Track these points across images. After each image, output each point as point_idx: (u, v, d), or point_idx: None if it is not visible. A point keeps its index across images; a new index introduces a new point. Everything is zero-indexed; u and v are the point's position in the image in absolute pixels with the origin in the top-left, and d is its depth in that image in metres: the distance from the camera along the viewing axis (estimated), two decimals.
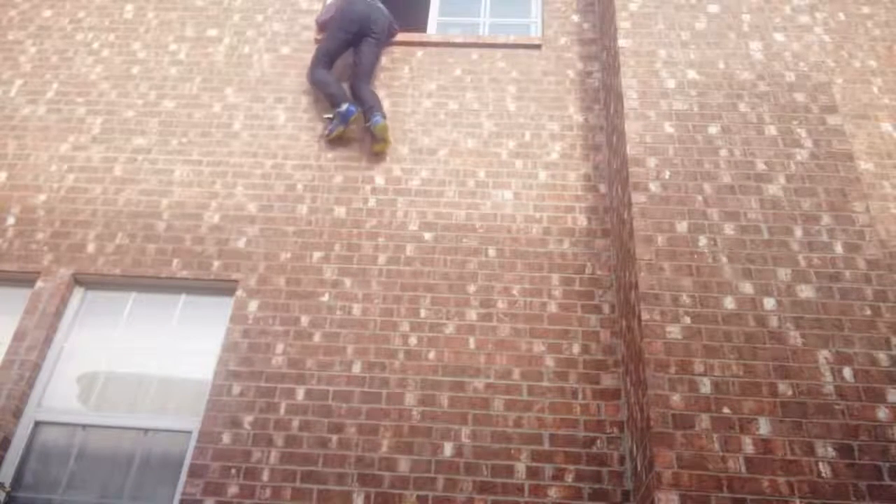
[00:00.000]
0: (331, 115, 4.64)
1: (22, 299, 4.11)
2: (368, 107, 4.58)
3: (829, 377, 3.02)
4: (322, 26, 5.15)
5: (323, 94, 4.74)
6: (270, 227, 4.30)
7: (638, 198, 3.60)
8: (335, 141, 4.64)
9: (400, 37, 5.16)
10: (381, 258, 4.15)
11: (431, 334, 3.85)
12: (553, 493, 3.35)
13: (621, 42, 4.25)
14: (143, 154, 4.65)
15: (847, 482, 2.76)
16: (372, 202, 4.37)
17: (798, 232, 3.45)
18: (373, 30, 4.88)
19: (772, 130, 3.80)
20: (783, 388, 3.00)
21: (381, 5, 5.05)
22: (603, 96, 4.78)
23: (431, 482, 3.40)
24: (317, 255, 4.18)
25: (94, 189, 4.50)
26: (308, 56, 5.10)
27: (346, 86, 4.82)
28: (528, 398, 3.62)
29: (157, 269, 4.17)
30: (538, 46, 5.09)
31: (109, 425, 3.78)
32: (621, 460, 3.43)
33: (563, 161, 4.51)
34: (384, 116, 4.53)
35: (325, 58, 4.82)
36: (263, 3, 5.44)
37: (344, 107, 4.55)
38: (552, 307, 3.92)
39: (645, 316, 3.22)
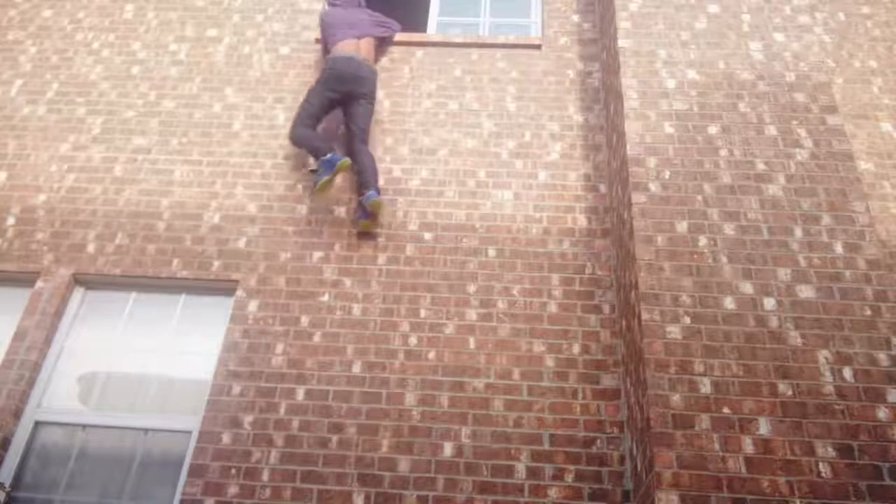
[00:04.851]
0: (315, 168, 4.28)
1: (22, 299, 4.11)
2: (364, 179, 4.24)
3: (829, 377, 3.02)
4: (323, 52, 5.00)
5: (307, 149, 4.36)
6: (270, 227, 4.30)
7: (638, 198, 3.60)
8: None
9: (400, 37, 5.16)
10: (381, 258, 4.14)
11: (431, 334, 3.85)
12: (553, 493, 3.35)
13: (621, 42, 4.25)
14: (144, 154, 4.65)
15: (847, 482, 2.76)
16: None
17: (798, 232, 3.45)
18: (362, 91, 4.52)
19: (772, 130, 3.80)
20: (783, 388, 3.00)
21: (366, 59, 4.66)
22: (603, 96, 4.78)
23: (431, 482, 3.40)
24: (317, 255, 4.18)
25: (95, 189, 4.50)
26: (308, 56, 5.10)
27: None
28: (528, 398, 3.62)
29: (157, 269, 4.17)
30: (538, 46, 5.09)
31: (109, 425, 3.77)
32: (621, 460, 3.43)
33: (563, 161, 4.51)
34: (379, 192, 4.18)
35: (309, 120, 4.41)
36: (263, 3, 5.44)
37: (329, 155, 4.18)
38: (552, 307, 3.92)
39: (645, 316, 3.22)
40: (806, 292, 3.26)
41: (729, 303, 3.24)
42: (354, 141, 4.46)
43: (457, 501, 3.34)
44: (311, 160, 4.38)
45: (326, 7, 5.06)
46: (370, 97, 4.59)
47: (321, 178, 4.17)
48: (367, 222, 4.18)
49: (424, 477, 3.42)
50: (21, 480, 3.66)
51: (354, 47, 4.72)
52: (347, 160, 4.19)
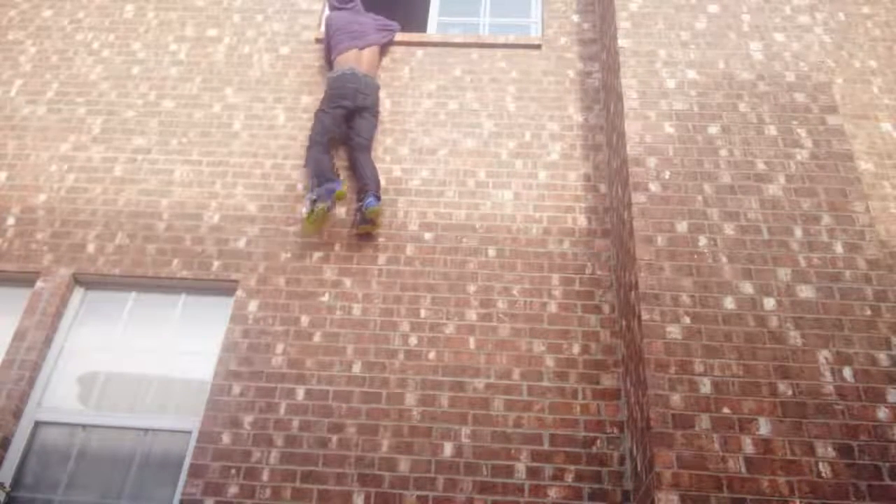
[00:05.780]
0: (305, 209, 4.21)
1: (22, 299, 4.11)
2: (363, 184, 4.26)
3: (829, 377, 3.02)
4: (326, 58, 4.99)
5: (308, 172, 4.37)
6: (270, 227, 4.30)
7: (638, 198, 3.60)
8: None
9: (400, 37, 5.16)
10: (381, 258, 4.14)
11: (431, 334, 3.85)
12: (553, 493, 3.35)
13: (621, 42, 4.25)
14: (143, 154, 4.65)
15: (847, 482, 2.76)
16: None
17: (798, 232, 3.45)
18: (366, 104, 4.57)
19: (772, 130, 3.80)
20: (783, 388, 3.00)
21: (367, 73, 4.68)
22: (603, 96, 4.78)
23: (431, 482, 3.40)
24: (317, 255, 4.18)
25: (94, 189, 4.50)
26: (308, 56, 5.10)
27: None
28: (528, 398, 3.62)
29: (157, 269, 4.17)
30: (538, 46, 5.09)
31: (109, 425, 3.77)
32: (621, 460, 3.43)
33: (563, 161, 4.51)
34: (379, 199, 4.18)
35: (323, 137, 4.41)
36: (263, 3, 5.44)
37: (315, 192, 4.13)
38: (552, 307, 3.92)
39: (645, 316, 3.22)
40: (806, 292, 3.26)
41: (729, 303, 3.24)
42: (356, 150, 4.47)
43: (457, 501, 3.34)
44: (303, 209, 4.29)
45: (330, 11, 5.07)
46: (373, 110, 4.62)
47: (305, 215, 4.12)
48: (366, 227, 4.19)
49: (424, 477, 3.42)
50: (21, 480, 3.66)
51: (355, 60, 4.73)
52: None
